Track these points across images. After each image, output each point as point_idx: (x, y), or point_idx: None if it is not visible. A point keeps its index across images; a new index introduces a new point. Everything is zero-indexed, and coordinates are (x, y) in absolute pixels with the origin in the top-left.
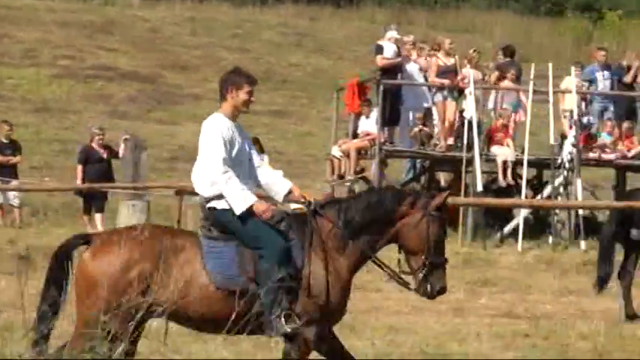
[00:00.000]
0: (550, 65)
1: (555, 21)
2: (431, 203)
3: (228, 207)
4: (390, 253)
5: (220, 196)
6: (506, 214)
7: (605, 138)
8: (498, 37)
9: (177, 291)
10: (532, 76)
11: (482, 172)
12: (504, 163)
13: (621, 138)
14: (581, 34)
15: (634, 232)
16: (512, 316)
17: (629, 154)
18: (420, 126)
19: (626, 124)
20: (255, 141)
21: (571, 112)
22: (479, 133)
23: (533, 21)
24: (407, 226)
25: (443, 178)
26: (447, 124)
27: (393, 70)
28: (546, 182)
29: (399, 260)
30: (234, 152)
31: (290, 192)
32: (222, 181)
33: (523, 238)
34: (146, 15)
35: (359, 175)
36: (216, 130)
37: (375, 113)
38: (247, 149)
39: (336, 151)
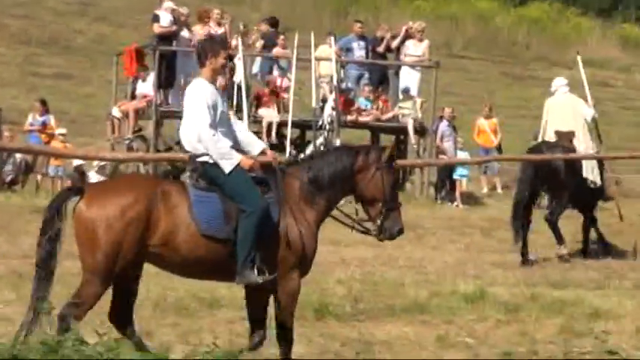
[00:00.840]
0: (312, 35)
1: None
2: (382, 156)
3: (214, 162)
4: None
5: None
6: None
7: (361, 102)
8: (265, 9)
9: (167, 234)
10: (296, 45)
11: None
12: (269, 124)
13: (376, 102)
14: (340, 8)
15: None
16: None
17: (383, 117)
18: None
19: (380, 90)
20: (42, 102)
21: (331, 77)
22: (247, 97)
23: None
24: (364, 179)
25: None
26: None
27: (168, 38)
28: (309, 142)
29: (356, 210)
30: (217, 115)
31: (263, 152)
32: (210, 143)
33: None
34: None
35: (137, 134)
36: (201, 95)
37: (151, 77)
38: (226, 110)
39: (116, 111)
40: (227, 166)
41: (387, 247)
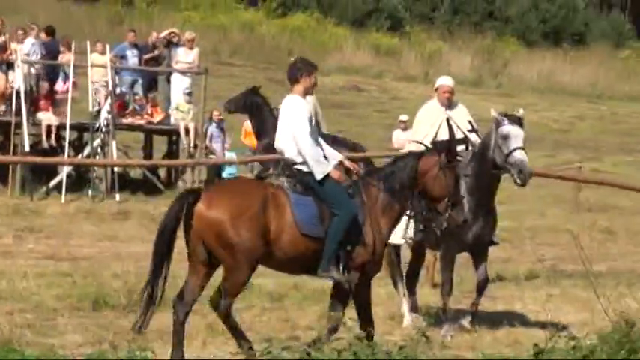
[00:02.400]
0: (88, 43)
1: (91, 5)
2: (441, 157)
3: (309, 170)
4: None
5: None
6: (52, 171)
7: (136, 106)
8: (42, 17)
9: (276, 233)
10: (73, 52)
11: (30, 135)
12: (48, 127)
13: (147, 106)
14: (115, 17)
15: None
16: (56, 259)
17: (155, 120)
18: None
19: (151, 95)
20: None
21: (106, 83)
22: (26, 101)
23: (71, 5)
24: (429, 180)
25: None
26: None
27: None
28: (86, 143)
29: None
30: (311, 127)
31: (341, 162)
32: (308, 153)
33: (66, 192)
34: None
35: None
36: (300, 110)
37: None
38: (314, 123)
39: None
40: (319, 174)
41: None
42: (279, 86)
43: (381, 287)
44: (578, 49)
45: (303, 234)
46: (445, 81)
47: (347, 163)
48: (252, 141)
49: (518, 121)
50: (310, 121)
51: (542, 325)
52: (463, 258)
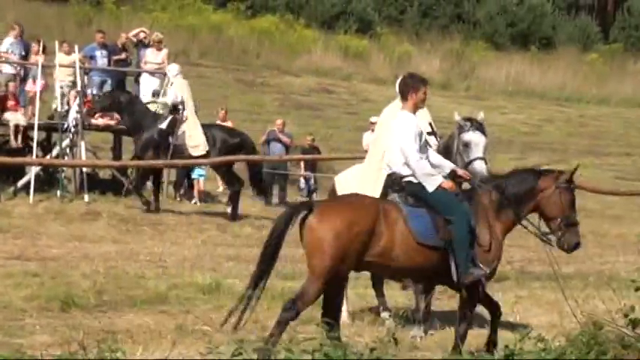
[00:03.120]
0: (57, 43)
1: (61, 5)
2: (560, 177)
3: (419, 182)
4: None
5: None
6: (20, 171)
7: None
8: (10, 18)
9: (387, 246)
10: (41, 52)
11: None
12: (16, 127)
13: None
14: (84, 17)
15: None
16: (24, 259)
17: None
18: None
19: None
20: None
21: (74, 83)
22: None
23: (40, 5)
24: (545, 197)
25: None
26: None
27: None
28: (55, 143)
29: (539, 223)
30: (421, 141)
31: (453, 171)
32: (417, 167)
33: (34, 192)
34: None
35: None
36: (410, 126)
37: None
38: (424, 136)
39: None
40: (430, 186)
41: (130, 243)
42: (247, 88)
43: (349, 288)
44: (546, 52)
45: (419, 243)
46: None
47: (459, 172)
48: None
49: (480, 127)
50: (419, 136)
51: (512, 327)
52: None
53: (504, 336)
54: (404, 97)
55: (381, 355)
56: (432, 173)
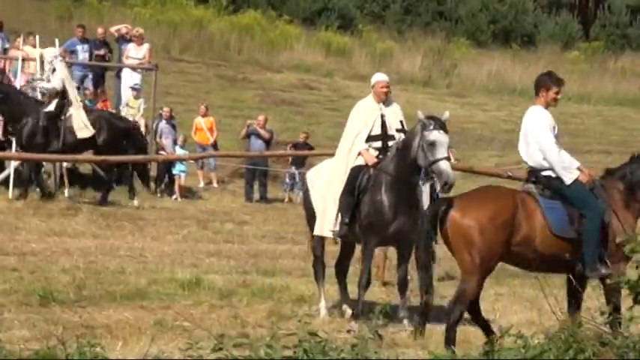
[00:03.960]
0: (37, 37)
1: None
2: None
3: (557, 176)
4: None
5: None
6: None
7: (86, 101)
8: None
9: (527, 236)
10: (21, 46)
11: None
12: None
13: (97, 101)
14: (65, 12)
15: None
16: (3, 254)
17: None
18: None
19: (100, 90)
20: None
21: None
22: None
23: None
24: None
25: None
26: None
27: None
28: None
29: None
30: (555, 136)
31: (578, 168)
32: (555, 160)
33: (14, 186)
34: None
35: None
36: (544, 121)
37: None
38: (556, 130)
39: None
40: (568, 179)
41: (110, 238)
42: (228, 83)
43: (330, 285)
44: (528, 49)
45: (555, 235)
46: (381, 77)
47: (585, 170)
48: (202, 137)
49: (444, 126)
50: (553, 130)
51: (492, 324)
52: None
53: (483, 333)
54: (536, 93)
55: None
56: (570, 166)
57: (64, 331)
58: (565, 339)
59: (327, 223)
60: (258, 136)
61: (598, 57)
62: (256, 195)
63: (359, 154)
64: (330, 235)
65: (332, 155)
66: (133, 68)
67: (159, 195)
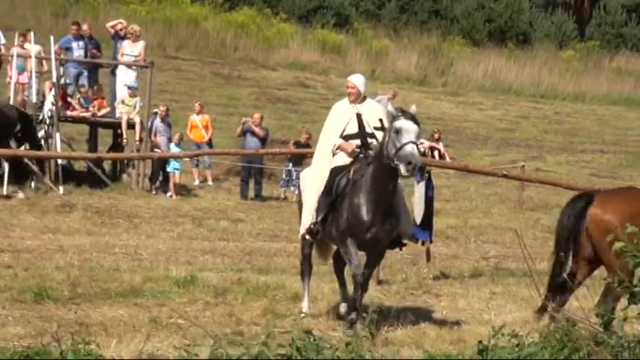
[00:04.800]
0: (32, 34)
1: None
2: None
3: None
4: None
5: None
6: None
7: (81, 98)
8: None
9: None
10: (16, 43)
11: None
12: None
13: (92, 99)
14: (60, 9)
15: None
16: None
17: (100, 113)
18: None
19: (96, 87)
20: None
21: (50, 74)
22: None
23: None
24: None
25: None
26: None
27: None
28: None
29: None
30: None
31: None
32: None
33: (8, 184)
34: None
35: None
36: None
37: None
38: None
39: None
40: None
41: (105, 236)
42: (224, 81)
43: (326, 283)
44: (523, 49)
45: None
46: (351, 77)
47: None
48: (197, 135)
49: (413, 117)
50: None
51: (486, 323)
52: (411, 254)
53: (478, 331)
54: None
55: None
56: None
57: (58, 329)
58: (559, 338)
59: (303, 223)
60: (254, 133)
61: (593, 56)
62: (251, 193)
63: (337, 148)
64: (303, 233)
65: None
66: (129, 65)
67: (154, 192)
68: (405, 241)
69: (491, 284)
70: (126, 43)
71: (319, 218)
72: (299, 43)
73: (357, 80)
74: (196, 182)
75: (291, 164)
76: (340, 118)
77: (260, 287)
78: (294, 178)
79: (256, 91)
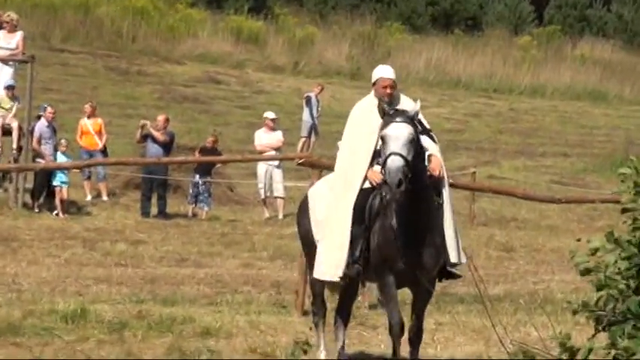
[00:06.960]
0: None
1: None
2: None
3: None
4: None
5: None
6: None
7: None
8: None
9: None
10: None
11: None
12: None
13: None
14: None
15: None
16: None
17: None
18: None
19: None
20: None
21: None
22: None
23: None
24: None
25: None
26: None
27: None
28: None
29: None
30: None
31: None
32: None
33: None
34: None
35: None
36: None
37: None
38: None
39: None
40: None
41: None
42: (121, 77)
43: (240, 315)
44: (472, 35)
45: None
46: (384, 72)
47: None
48: (89, 142)
49: (406, 119)
50: None
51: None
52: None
53: None
54: None
55: None
56: None
57: None
58: None
59: (332, 264)
60: (156, 139)
61: (553, 43)
62: (154, 209)
63: (366, 176)
64: (337, 279)
65: (242, 161)
66: (4, 60)
67: (36, 210)
68: (456, 271)
69: (437, 313)
70: (0, 33)
71: (356, 255)
72: (209, 32)
73: (392, 73)
74: (88, 198)
75: (197, 175)
76: (373, 125)
77: (164, 321)
78: (202, 191)
79: (159, 88)
